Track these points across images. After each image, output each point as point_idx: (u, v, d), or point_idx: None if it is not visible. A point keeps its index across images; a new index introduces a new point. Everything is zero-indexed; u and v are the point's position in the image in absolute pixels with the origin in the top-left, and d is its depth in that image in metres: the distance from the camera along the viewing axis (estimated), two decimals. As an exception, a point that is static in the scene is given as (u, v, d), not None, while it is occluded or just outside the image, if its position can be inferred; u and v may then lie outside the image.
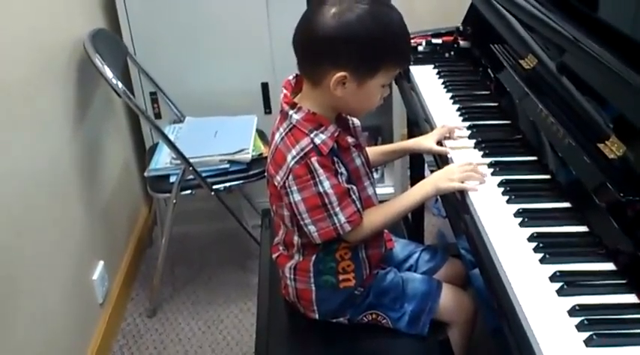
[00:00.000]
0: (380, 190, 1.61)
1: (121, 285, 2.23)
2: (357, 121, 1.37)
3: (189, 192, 2.09)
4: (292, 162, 1.22)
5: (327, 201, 1.23)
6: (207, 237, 2.58)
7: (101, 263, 2.07)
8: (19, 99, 1.61)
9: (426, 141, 1.47)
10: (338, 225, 1.25)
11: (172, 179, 2.06)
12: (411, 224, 1.75)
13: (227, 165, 2.08)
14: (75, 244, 1.91)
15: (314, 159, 1.21)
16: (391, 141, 2.49)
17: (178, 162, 2.03)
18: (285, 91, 1.28)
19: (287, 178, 1.23)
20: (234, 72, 2.34)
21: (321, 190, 1.22)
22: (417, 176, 2.07)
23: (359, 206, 1.27)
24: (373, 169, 2.53)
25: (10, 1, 1.60)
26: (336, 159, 1.24)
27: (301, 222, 1.27)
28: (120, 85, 1.91)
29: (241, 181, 2.10)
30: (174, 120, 2.36)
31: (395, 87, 2.12)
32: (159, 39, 2.29)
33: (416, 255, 1.52)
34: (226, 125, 2.24)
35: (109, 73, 1.90)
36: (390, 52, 1.19)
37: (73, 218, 1.91)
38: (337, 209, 1.24)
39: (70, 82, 1.95)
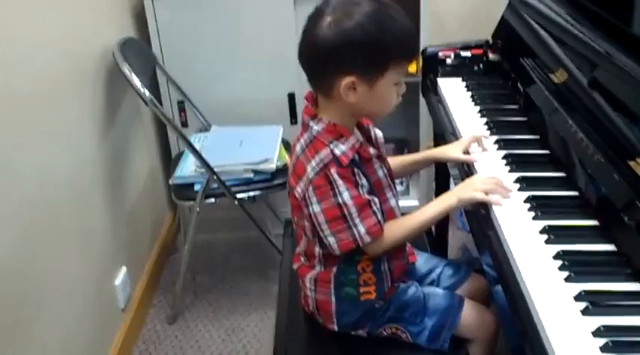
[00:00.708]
0: (404, 203, 1.59)
1: (143, 291, 2.24)
2: (379, 133, 1.36)
3: (213, 200, 2.09)
4: (312, 174, 1.22)
5: (346, 212, 1.22)
6: (230, 246, 2.59)
7: (124, 268, 2.08)
8: (45, 106, 1.63)
9: (452, 150, 1.45)
10: (358, 236, 1.24)
11: (197, 187, 2.07)
12: (434, 237, 1.73)
13: (251, 175, 2.08)
14: (98, 250, 1.93)
15: (333, 170, 1.20)
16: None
17: (203, 170, 2.04)
18: (306, 103, 1.28)
19: (307, 189, 1.23)
20: (261, 82, 2.35)
21: (341, 201, 1.21)
22: (442, 188, 2.05)
23: (380, 217, 1.26)
24: (397, 181, 2.54)
25: (38, 8, 1.62)
26: (356, 170, 1.23)
27: (321, 234, 1.26)
28: (147, 93, 1.92)
29: (265, 191, 2.10)
30: (200, 128, 2.37)
31: (422, 100, 2.12)
32: (187, 48, 2.31)
33: (438, 270, 1.49)
34: (252, 135, 2.24)
35: (137, 81, 1.91)
36: (394, 48, 1.17)
37: (96, 224, 1.93)
38: (357, 220, 1.23)
39: (98, 90, 1.97)
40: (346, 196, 1.21)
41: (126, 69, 1.92)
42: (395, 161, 1.47)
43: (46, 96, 1.64)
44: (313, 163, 1.22)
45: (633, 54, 1.24)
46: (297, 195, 1.27)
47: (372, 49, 1.16)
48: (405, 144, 2.65)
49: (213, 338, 2.16)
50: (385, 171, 1.33)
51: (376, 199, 1.26)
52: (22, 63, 1.53)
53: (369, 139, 1.33)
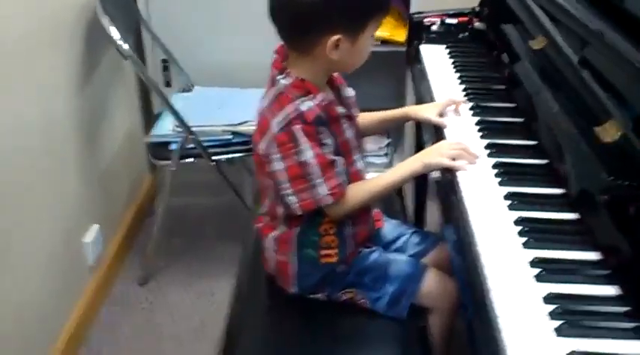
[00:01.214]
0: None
1: (116, 251, 2.21)
2: (351, 92, 1.32)
3: (190, 160, 2.05)
4: (276, 129, 1.18)
5: (309, 171, 1.18)
6: (208, 210, 2.55)
7: (96, 226, 2.05)
8: (18, 54, 1.59)
9: (426, 111, 1.42)
10: (319, 197, 1.20)
11: (173, 146, 2.03)
12: (403, 206, 1.68)
13: (230, 137, 2.04)
14: (70, 205, 1.89)
15: (298, 127, 1.16)
16: (403, 125, 2.43)
17: (180, 129, 2.00)
18: (276, 57, 1.24)
19: (270, 145, 1.19)
20: (249, 45, 2.28)
21: (303, 159, 1.17)
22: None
23: (343, 179, 1.22)
24: (381, 153, 2.50)
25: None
26: (323, 128, 1.19)
27: (282, 192, 1.22)
28: (126, 46, 1.88)
29: (243, 153, 2.06)
30: (183, 88, 2.32)
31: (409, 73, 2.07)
32: (175, 7, 2.26)
33: (405, 237, 1.46)
34: (235, 97, 2.20)
35: (115, 34, 1.86)
36: (376, 2, 1.17)
37: (69, 179, 1.89)
38: (319, 180, 1.19)
39: (76, 42, 1.92)
40: (309, 154, 1.17)
41: (105, 21, 1.87)
42: (367, 117, 1.43)
43: (20, 45, 1.59)
44: (278, 118, 1.18)
45: (613, 24, 1.18)
46: (260, 152, 1.23)
47: (356, 4, 1.14)
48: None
49: (184, 302, 2.13)
50: (354, 132, 1.29)
51: (342, 160, 1.22)
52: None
53: (339, 98, 1.29)
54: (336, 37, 1.14)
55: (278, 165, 1.19)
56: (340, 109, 1.24)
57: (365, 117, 1.41)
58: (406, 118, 1.49)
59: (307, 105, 1.18)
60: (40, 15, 1.69)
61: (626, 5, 1.16)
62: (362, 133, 1.39)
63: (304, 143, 1.17)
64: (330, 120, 1.21)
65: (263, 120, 1.22)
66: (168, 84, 2.37)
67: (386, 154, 2.52)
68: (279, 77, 1.20)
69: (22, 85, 1.61)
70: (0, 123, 1.51)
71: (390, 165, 2.54)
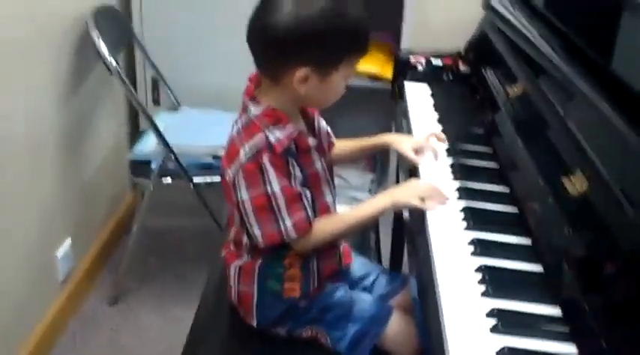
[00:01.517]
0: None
1: (89, 267, 2.18)
2: (323, 123, 1.31)
3: (169, 180, 2.04)
4: (244, 158, 1.16)
5: (274, 203, 1.16)
6: (186, 232, 2.53)
7: (68, 240, 2.02)
8: (5, 63, 1.58)
9: (404, 143, 1.39)
10: (284, 230, 1.18)
11: (153, 165, 2.02)
12: (378, 243, 1.66)
13: (211, 160, 2.03)
14: (43, 216, 1.87)
15: (266, 158, 1.14)
16: (388, 161, 2.42)
17: (162, 148, 1.98)
18: (249, 83, 1.23)
19: (237, 174, 1.17)
20: (238, 68, 2.27)
21: (270, 191, 1.15)
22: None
23: (310, 213, 1.20)
24: (367, 189, 2.48)
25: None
26: (291, 159, 1.17)
27: (247, 223, 1.20)
28: (114, 62, 1.88)
29: (223, 178, 2.04)
30: (170, 108, 2.32)
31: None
32: (169, 26, 2.26)
33: (373, 276, 1.43)
34: (220, 119, 2.15)
35: (104, 48, 1.86)
36: (352, 42, 1.14)
37: (45, 189, 1.87)
38: (285, 213, 1.17)
39: (66, 52, 1.92)
40: (276, 186, 1.15)
41: (95, 35, 1.87)
42: (347, 143, 1.41)
43: (8, 53, 1.59)
44: (247, 148, 1.16)
45: (595, 83, 1.17)
46: (227, 179, 1.21)
47: (331, 43, 1.12)
48: (377, 153, 2.59)
49: (152, 326, 2.09)
50: (324, 164, 1.27)
51: (308, 193, 1.21)
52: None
53: (312, 129, 1.28)
54: (303, 71, 1.12)
55: (244, 195, 1.17)
56: (311, 141, 1.23)
57: (344, 144, 1.40)
58: (384, 146, 1.45)
59: (276, 135, 1.16)
60: (30, 25, 1.69)
61: (607, 63, 1.15)
62: (341, 160, 1.38)
63: (271, 174, 1.15)
64: (299, 152, 1.20)
65: (232, 147, 1.21)
66: (157, 102, 2.37)
67: (369, 190, 2.51)
68: (250, 105, 1.19)
69: (8, 92, 1.60)
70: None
71: (372, 200, 2.53)
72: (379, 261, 1.59)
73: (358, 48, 1.17)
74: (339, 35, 1.12)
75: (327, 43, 1.11)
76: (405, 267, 2.24)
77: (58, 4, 1.85)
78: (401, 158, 1.43)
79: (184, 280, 2.29)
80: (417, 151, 1.38)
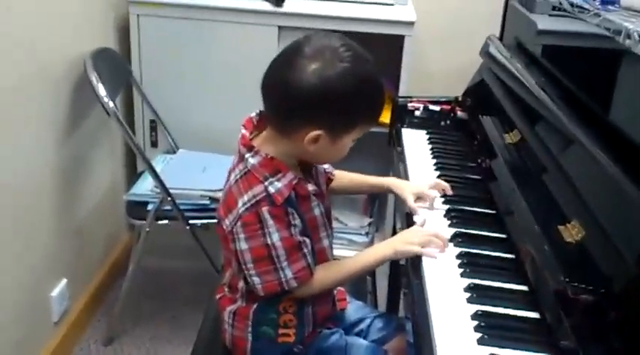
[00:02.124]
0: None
1: (83, 308, 2.16)
2: (321, 168, 1.31)
3: (165, 222, 2.04)
4: (242, 209, 1.16)
5: (274, 253, 1.16)
6: (181, 274, 2.51)
7: (64, 281, 2.01)
8: (6, 103, 1.60)
9: (407, 190, 1.39)
10: (284, 280, 1.17)
11: (150, 207, 2.02)
12: (374, 287, 1.65)
13: (208, 202, 2.03)
14: (38, 256, 1.86)
15: (265, 209, 1.14)
16: (385, 205, 2.43)
17: (159, 190, 1.99)
18: (243, 131, 1.22)
19: (235, 224, 1.17)
20: (235, 111, 2.27)
21: (269, 242, 1.15)
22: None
23: (310, 261, 1.20)
24: (362, 232, 2.47)
25: (12, 8, 1.60)
26: (290, 209, 1.17)
27: (246, 272, 1.20)
28: (111, 104, 1.89)
29: (220, 220, 2.04)
30: (168, 150, 2.33)
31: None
32: (167, 68, 2.29)
33: (368, 321, 1.42)
34: (217, 162, 2.19)
35: (102, 90, 1.88)
36: (368, 109, 1.16)
37: (42, 228, 1.87)
38: (285, 263, 1.17)
39: (64, 95, 1.94)
40: (275, 237, 1.15)
41: (93, 77, 1.89)
42: (348, 177, 1.42)
43: (7, 95, 1.61)
44: (245, 198, 1.16)
45: (592, 132, 1.19)
46: (224, 227, 1.21)
47: (348, 108, 1.13)
48: (376, 196, 2.60)
49: (146, 367, 2.07)
50: (322, 209, 1.27)
51: (308, 241, 1.20)
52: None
53: (310, 174, 1.28)
54: (317, 132, 1.12)
55: (243, 245, 1.17)
56: (310, 187, 1.23)
57: (345, 177, 1.40)
58: (387, 190, 1.46)
59: (276, 186, 1.15)
60: (29, 66, 1.71)
61: (604, 112, 1.17)
62: (340, 191, 1.39)
63: (271, 226, 1.15)
64: (298, 199, 1.19)
65: (230, 196, 1.20)
66: (154, 144, 2.38)
67: (367, 233, 2.50)
68: (247, 155, 1.18)
69: (4, 130, 1.61)
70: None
71: (371, 243, 2.52)
72: (375, 305, 1.58)
73: (374, 115, 1.18)
74: (359, 102, 1.13)
75: (345, 109, 1.12)
76: (402, 311, 2.23)
77: (58, 46, 1.88)
78: (400, 202, 1.43)
79: (178, 322, 2.27)
80: (418, 198, 1.38)
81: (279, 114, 1.16)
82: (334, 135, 1.14)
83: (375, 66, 1.16)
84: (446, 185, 1.40)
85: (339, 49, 1.11)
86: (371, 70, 1.14)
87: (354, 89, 1.11)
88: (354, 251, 2.42)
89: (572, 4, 1.56)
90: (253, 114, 1.25)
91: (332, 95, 1.10)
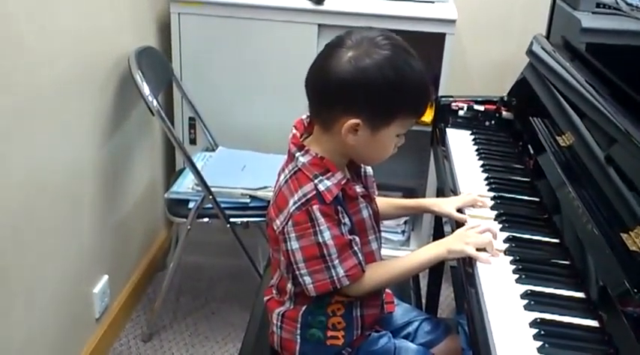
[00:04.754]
0: (405, 253, 1.52)
1: (123, 304, 2.18)
2: (369, 170, 1.31)
3: (206, 220, 2.05)
4: (293, 208, 1.16)
5: (325, 252, 1.16)
6: (220, 271, 2.53)
7: (105, 277, 2.04)
8: (50, 98, 1.62)
9: (446, 205, 1.39)
10: (336, 278, 1.17)
11: (191, 205, 2.03)
12: (418, 290, 1.65)
13: (248, 200, 2.04)
14: (81, 253, 1.88)
15: (315, 207, 1.14)
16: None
17: (200, 188, 2.00)
18: (294, 131, 1.23)
19: (286, 224, 1.17)
20: (274, 110, 2.32)
21: (321, 240, 1.15)
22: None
23: (360, 258, 1.19)
24: (398, 231, 2.47)
25: (59, 8, 1.62)
26: (340, 208, 1.17)
27: (296, 272, 1.20)
28: (155, 103, 1.90)
29: (260, 218, 2.05)
30: (207, 148, 2.34)
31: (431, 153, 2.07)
32: (207, 67, 2.30)
33: (416, 324, 1.42)
34: (256, 161, 2.21)
35: (146, 89, 1.90)
36: (408, 101, 1.13)
37: (83, 227, 1.89)
38: (336, 261, 1.16)
39: (108, 93, 1.95)
40: (327, 235, 1.15)
41: (138, 76, 1.90)
42: (385, 201, 1.41)
43: (52, 93, 1.62)
44: (295, 197, 1.16)
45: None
46: (275, 228, 1.21)
47: (386, 98, 1.11)
48: (412, 194, 2.59)
49: (185, 363, 2.09)
50: (371, 211, 1.27)
51: (357, 239, 1.20)
52: (35, 57, 1.53)
53: (358, 176, 1.28)
54: (354, 120, 1.12)
55: (294, 245, 1.17)
56: (358, 188, 1.23)
57: (382, 201, 1.39)
58: (425, 210, 1.47)
59: (326, 184, 1.16)
60: (76, 61, 1.73)
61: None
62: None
63: (322, 224, 1.15)
64: (346, 199, 1.19)
65: (280, 196, 1.20)
66: (193, 141, 2.39)
67: (403, 231, 2.49)
68: (297, 154, 1.19)
69: (48, 126, 1.63)
70: (21, 164, 1.52)
71: (407, 242, 2.51)
72: (421, 308, 1.57)
73: (414, 109, 1.16)
74: (396, 92, 1.11)
75: (383, 98, 1.11)
76: (442, 312, 2.22)
77: (102, 45, 1.89)
78: (446, 220, 1.42)
79: (217, 318, 2.29)
80: (460, 210, 1.37)
81: (319, 105, 1.17)
82: (373, 126, 1.13)
83: (417, 59, 1.14)
84: (481, 199, 1.38)
85: (377, 38, 1.12)
86: (411, 61, 1.13)
87: (392, 78, 1.10)
88: (390, 249, 2.41)
89: (617, 0, 1.53)
90: (304, 116, 1.25)
91: (368, 82, 1.10)
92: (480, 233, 1.23)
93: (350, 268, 1.17)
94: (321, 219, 1.14)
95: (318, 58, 1.17)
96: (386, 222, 2.49)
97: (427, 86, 1.15)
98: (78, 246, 1.86)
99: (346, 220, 1.18)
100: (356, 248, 1.19)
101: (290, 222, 1.16)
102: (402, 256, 1.28)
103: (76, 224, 1.84)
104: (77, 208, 1.83)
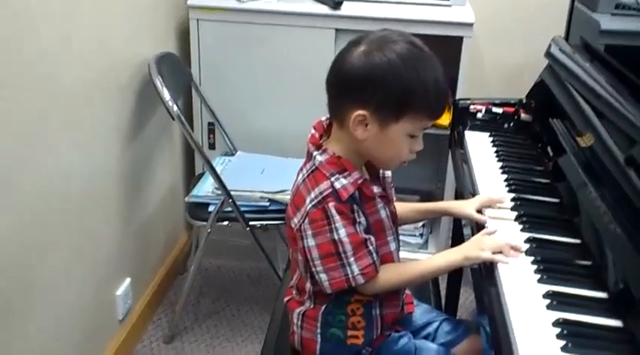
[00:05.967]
0: (422, 257, 1.54)
1: (145, 306, 2.21)
2: (388, 173, 1.32)
3: (225, 223, 2.07)
4: (309, 206, 1.18)
5: (341, 249, 1.17)
6: (240, 273, 2.55)
7: (128, 279, 2.06)
8: (71, 102, 1.64)
9: (465, 207, 1.40)
10: (351, 276, 1.19)
11: (211, 208, 2.06)
12: (438, 291, 1.65)
13: (267, 204, 2.06)
14: (104, 256, 1.91)
15: (331, 205, 1.16)
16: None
17: (219, 192, 2.02)
18: (313, 132, 1.25)
19: (303, 221, 1.19)
20: (293, 114, 2.33)
21: (336, 238, 1.17)
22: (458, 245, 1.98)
23: (375, 258, 1.21)
24: (416, 233, 2.47)
25: (80, 15, 1.65)
26: (356, 207, 1.18)
27: (313, 269, 1.21)
28: (175, 108, 1.93)
29: (279, 221, 2.07)
30: (226, 152, 2.36)
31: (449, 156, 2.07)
32: (226, 72, 2.32)
33: (436, 324, 1.43)
34: (275, 164, 2.23)
35: (166, 95, 1.92)
36: (417, 99, 1.13)
37: (106, 231, 1.92)
38: (351, 259, 1.18)
39: (129, 98, 1.98)
40: (342, 233, 1.17)
41: (158, 81, 1.93)
42: (404, 206, 1.43)
43: (75, 100, 1.65)
44: (312, 195, 1.18)
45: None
46: (292, 226, 1.23)
47: (394, 91, 1.12)
48: (430, 197, 2.60)
49: (206, 364, 2.11)
50: (388, 212, 1.28)
51: (373, 239, 1.22)
52: (57, 64, 1.56)
53: (375, 177, 1.29)
54: (361, 112, 1.13)
55: (310, 242, 1.19)
56: (376, 189, 1.24)
57: (402, 207, 1.40)
58: (444, 213, 1.49)
59: (342, 183, 1.18)
60: (97, 67, 1.76)
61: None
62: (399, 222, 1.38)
63: (338, 221, 1.16)
64: (363, 199, 1.21)
65: (298, 195, 1.22)
66: (212, 146, 2.42)
67: (421, 234, 2.50)
68: (315, 153, 1.21)
69: (72, 132, 1.66)
70: (45, 169, 1.55)
71: (424, 245, 2.52)
72: (440, 308, 1.58)
73: (423, 107, 1.15)
74: (404, 87, 1.12)
75: (388, 91, 1.12)
76: (461, 314, 2.22)
77: (122, 51, 1.92)
78: (466, 222, 1.43)
79: (238, 320, 2.31)
80: (479, 211, 1.38)
81: (333, 100, 1.20)
82: (381, 120, 1.14)
83: (434, 60, 1.15)
84: (497, 198, 1.39)
85: (393, 36, 1.15)
86: (424, 59, 1.14)
87: (401, 72, 1.12)
88: (408, 252, 2.42)
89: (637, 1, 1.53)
90: (324, 118, 1.27)
91: (376, 74, 1.12)
92: (497, 240, 1.23)
93: (365, 267, 1.19)
94: (337, 217, 1.16)
95: (336, 57, 1.20)
96: (404, 226, 2.50)
97: (440, 86, 1.16)
98: (101, 249, 1.89)
99: (362, 219, 1.20)
100: (371, 247, 1.20)
101: (307, 220, 1.18)
102: (419, 260, 1.29)
103: (100, 228, 1.87)
104: (100, 212, 1.86)
